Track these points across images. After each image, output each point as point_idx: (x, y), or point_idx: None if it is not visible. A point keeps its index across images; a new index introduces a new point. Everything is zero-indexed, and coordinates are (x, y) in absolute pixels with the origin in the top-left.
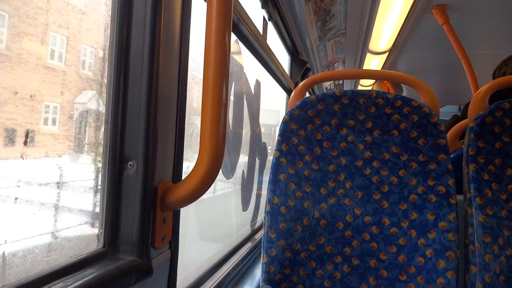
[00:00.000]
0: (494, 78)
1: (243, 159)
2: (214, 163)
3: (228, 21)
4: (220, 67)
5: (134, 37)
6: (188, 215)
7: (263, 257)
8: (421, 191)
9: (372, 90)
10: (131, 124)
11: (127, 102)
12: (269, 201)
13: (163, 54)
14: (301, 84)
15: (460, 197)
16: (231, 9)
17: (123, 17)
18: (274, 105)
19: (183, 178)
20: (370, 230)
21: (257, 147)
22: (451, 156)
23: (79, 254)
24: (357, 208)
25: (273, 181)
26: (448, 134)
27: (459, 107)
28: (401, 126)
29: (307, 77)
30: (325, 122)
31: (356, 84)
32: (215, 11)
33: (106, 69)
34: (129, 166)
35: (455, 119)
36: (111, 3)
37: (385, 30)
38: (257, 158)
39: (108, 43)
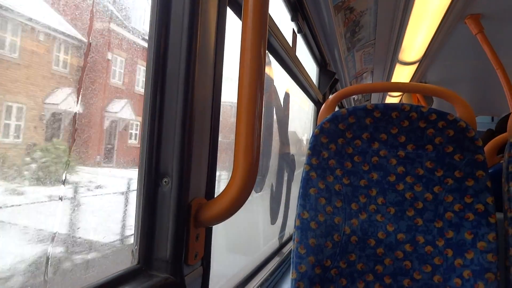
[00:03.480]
0: None
1: (272, 171)
2: (248, 180)
3: (264, 37)
4: (255, 85)
5: (170, 55)
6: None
7: (292, 273)
8: (457, 208)
9: (405, 103)
10: (167, 141)
11: (163, 119)
12: (299, 216)
13: (198, 71)
14: (331, 97)
15: (499, 215)
16: (266, 26)
17: (159, 36)
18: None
19: (216, 195)
20: (403, 248)
21: (286, 159)
22: (488, 171)
23: (115, 271)
24: (390, 224)
25: (303, 195)
26: (485, 149)
27: (492, 118)
28: (436, 141)
29: (335, 88)
30: (357, 136)
31: (385, 94)
32: (250, 27)
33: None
34: (164, 183)
35: (490, 134)
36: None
37: (416, 40)
38: (285, 171)
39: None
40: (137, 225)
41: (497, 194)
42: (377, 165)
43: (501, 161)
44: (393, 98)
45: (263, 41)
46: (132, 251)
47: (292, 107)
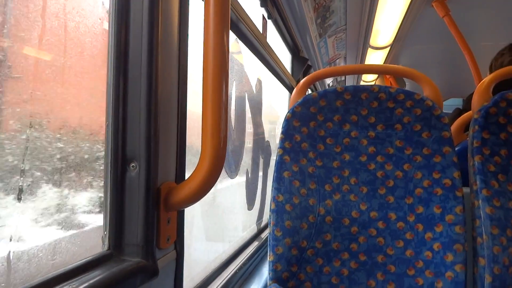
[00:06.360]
0: (491, 69)
1: (247, 158)
2: (216, 162)
3: (226, 20)
4: (219, 67)
5: (132, 38)
6: (194, 214)
7: (269, 255)
8: (426, 184)
9: (374, 85)
10: (132, 125)
11: (127, 103)
12: (274, 199)
13: (161, 54)
14: (302, 81)
15: (466, 190)
16: (229, 8)
17: (120, 18)
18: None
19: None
20: (376, 225)
21: (260, 146)
22: (456, 148)
23: (84, 257)
24: (363, 203)
25: (277, 179)
26: (452, 127)
27: (463, 99)
28: (404, 120)
29: (309, 74)
30: (328, 119)
31: (359, 80)
32: (212, 10)
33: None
34: (132, 168)
35: (458, 112)
36: (108, 4)
37: (386, 24)
38: (260, 157)
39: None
40: (105, 211)
41: (464, 170)
42: (349, 146)
43: (468, 138)
44: (367, 83)
45: (226, 24)
46: (102, 237)
47: (268, 94)
